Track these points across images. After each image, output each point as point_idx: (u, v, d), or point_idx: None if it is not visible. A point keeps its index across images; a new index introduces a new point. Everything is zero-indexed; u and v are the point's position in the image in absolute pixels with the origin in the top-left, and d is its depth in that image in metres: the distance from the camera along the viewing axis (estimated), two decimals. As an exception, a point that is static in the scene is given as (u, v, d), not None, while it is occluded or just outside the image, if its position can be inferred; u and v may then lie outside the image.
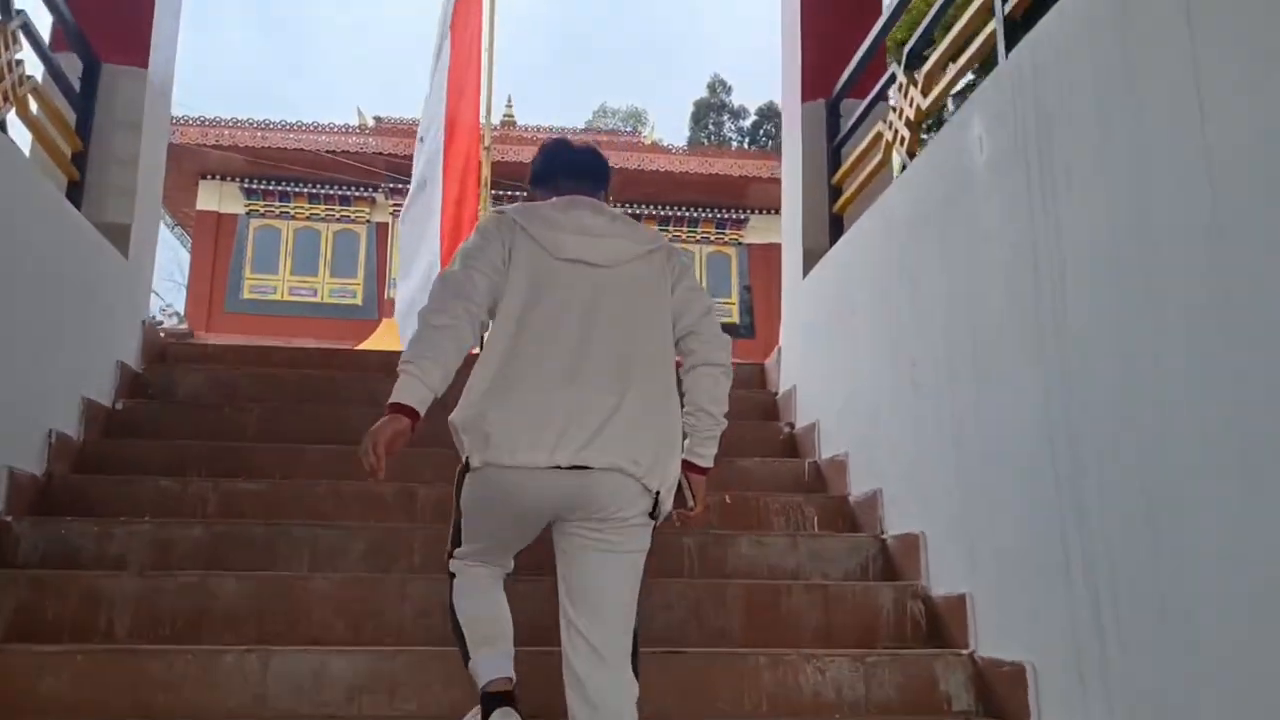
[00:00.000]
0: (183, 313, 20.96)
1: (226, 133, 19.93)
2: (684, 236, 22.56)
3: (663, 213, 22.40)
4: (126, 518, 3.38)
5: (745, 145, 49.98)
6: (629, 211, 21.89)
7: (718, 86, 53.74)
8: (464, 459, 2.21)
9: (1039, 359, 2.65)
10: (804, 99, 5.05)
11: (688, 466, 2.37)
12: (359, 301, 21.03)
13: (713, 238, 22.78)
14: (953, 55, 3.74)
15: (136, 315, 4.68)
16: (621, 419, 2.16)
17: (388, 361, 4.40)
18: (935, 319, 3.35)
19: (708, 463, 2.41)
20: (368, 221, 21.32)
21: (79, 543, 3.23)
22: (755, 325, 22.34)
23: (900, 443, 3.59)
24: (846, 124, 4.91)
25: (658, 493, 2.20)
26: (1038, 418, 2.64)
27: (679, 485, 2.33)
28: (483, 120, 8.82)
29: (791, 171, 5.17)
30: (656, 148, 22.79)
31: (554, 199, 2.46)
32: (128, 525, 3.30)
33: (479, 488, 2.22)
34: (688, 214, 22.54)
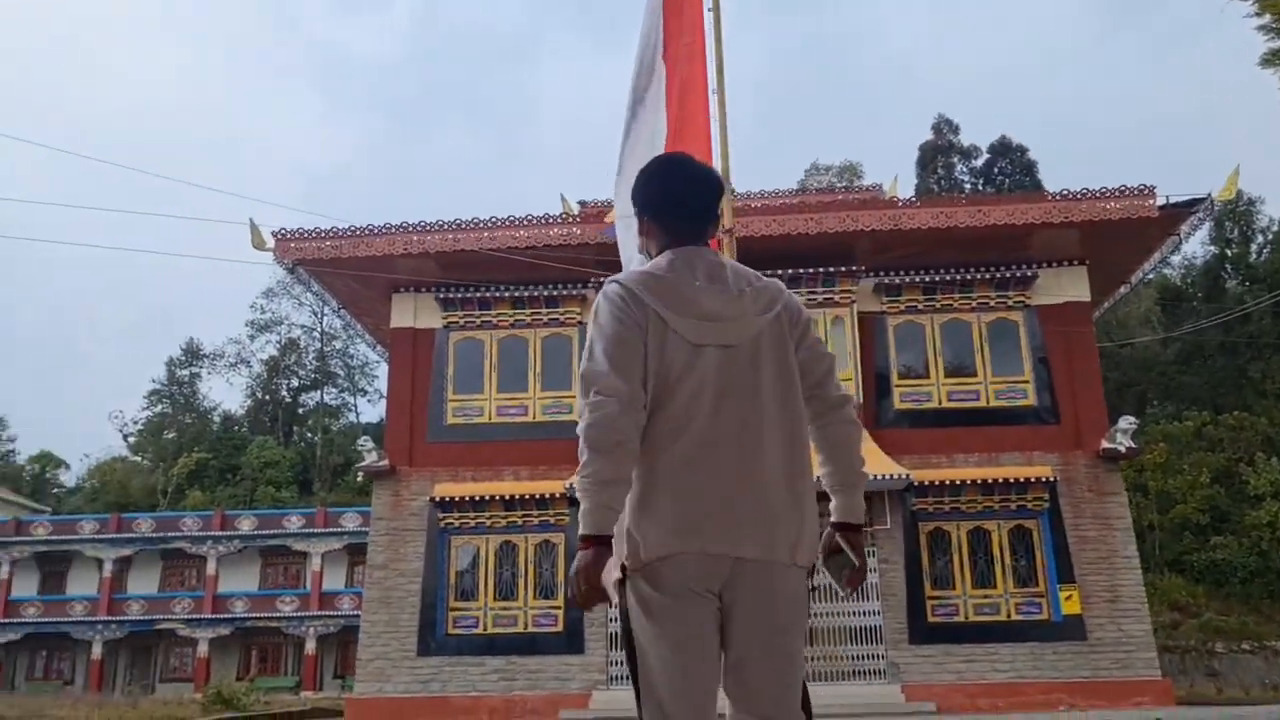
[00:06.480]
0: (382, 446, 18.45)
1: (415, 238, 17.47)
2: (956, 304, 18.35)
3: (925, 279, 18.15)
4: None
5: (980, 187, 44.83)
6: (881, 281, 17.90)
7: (943, 126, 48.88)
8: (630, 590, 2.20)
9: None
10: None
11: (843, 528, 2.37)
12: (576, 417, 17.83)
13: (993, 302, 18.40)
14: None
15: None
16: (777, 502, 2.19)
17: None
18: None
19: (860, 517, 2.38)
20: (579, 323, 18.35)
21: None
22: (1058, 407, 17.55)
23: None
24: None
25: (813, 566, 2.30)
26: None
27: (841, 548, 2.35)
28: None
29: None
30: (913, 204, 18.59)
31: (668, 255, 2.39)
32: None
33: (652, 588, 2.16)
34: (958, 276, 18.17)
